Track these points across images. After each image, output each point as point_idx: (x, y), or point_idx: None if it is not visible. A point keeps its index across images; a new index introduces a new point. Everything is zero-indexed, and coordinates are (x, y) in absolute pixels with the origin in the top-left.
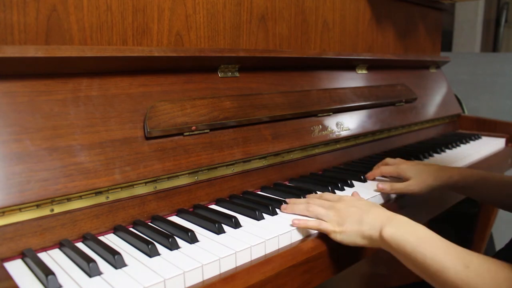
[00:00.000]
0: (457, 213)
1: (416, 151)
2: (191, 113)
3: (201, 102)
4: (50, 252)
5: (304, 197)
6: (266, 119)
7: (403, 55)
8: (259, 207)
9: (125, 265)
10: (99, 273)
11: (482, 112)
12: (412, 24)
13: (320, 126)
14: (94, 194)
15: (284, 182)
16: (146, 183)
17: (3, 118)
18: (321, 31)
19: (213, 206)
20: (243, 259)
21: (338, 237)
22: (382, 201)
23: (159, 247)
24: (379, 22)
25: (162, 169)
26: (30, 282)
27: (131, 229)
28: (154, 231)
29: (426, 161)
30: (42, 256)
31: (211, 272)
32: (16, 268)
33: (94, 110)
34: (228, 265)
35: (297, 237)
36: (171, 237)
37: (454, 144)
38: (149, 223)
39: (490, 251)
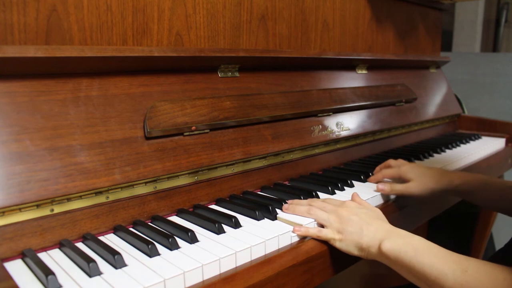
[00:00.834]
0: (457, 213)
1: (416, 151)
2: (191, 113)
3: (201, 102)
4: (50, 252)
5: (306, 196)
6: (266, 119)
7: (403, 55)
8: (259, 207)
9: (125, 265)
10: (99, 273)
11: (482, 112)
12: (412, 24)
13: (320, 126)
14: (94, 194)
15: (284, 182)
16: (146, 183)
17: (3, 118)
18: (321, 31)
19: (213, 206)
20: (243, 259)
21: (337, 245)
22: (381, 201)
23: (159, 247)
24: (379, 22)
25: (162, 169)
26: (30, 282)
27: (131, 229)
28: (154, 231)
29: (426, 161)
30: (42, 256)
31: (211, 272)
32: (16, 268)
33: (94, 110)
34: (228, 265)
35: (297, 237)
36: (171, 237)
37: (454, 144)
38: (149, 223)
39: (490, 251)
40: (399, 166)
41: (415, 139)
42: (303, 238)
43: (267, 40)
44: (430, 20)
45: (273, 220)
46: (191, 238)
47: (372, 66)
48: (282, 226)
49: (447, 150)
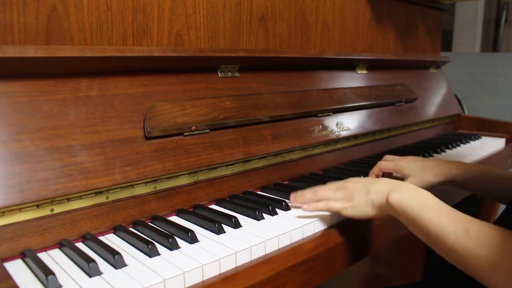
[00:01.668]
0: None
1: (416, 151)
2: (191, 113)
3: (201, 102)
4: (50, 252)
5: None
6: (266, 119)
7: (403, 55)
8: (259, 207)
9: (125, 265)
10: (99, 273)
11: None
12: (412, 24)
13: (320, 126)
14: (94, 194)
15: (284, 182)
16: (146, 183)
17: (3, 118)
18: (321, 31)
19: (213, 206)
20: (243, 259)
21: (349, 212)
22: None
23: (159, 247)
24: (379, 22)
25: (162, 169)
26: (30, 282)
27: (131, 229)
28: (154, 231)
29: None
30: (42, 256)
31: (211, 272)
32: (16, 268)
33: (94, 110)
34: (228, 265)
35: (297, 237)
36: (171, 237)
37: (454, 144)
38: (149, 223)
39: None
40: (396, 161)
41: (415, 139)
42: (304, 238)
43: (267, 40)
44: (430, 20)
45: (273, 216)
46: (191, 238)
47: (372, 66)
48: (282, 226)
49: (447, 150)
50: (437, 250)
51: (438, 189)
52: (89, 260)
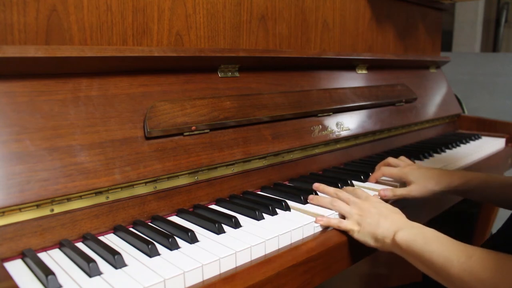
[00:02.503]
0: (457, 213)
1: (416, 151)
2: (191, 113)
3: (201, 102)
4: (50, 252)
5: (306, 195)
6: (266, 119)
7: (403, 55)
8: (259, 207)
9: (125, 265)
10: (99, 273)
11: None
12: (412, 24)
13: (320, 126)
14: (94, 194)
15: (284, 182)
16: (146, 183)
17: (3, 118)
18: (321, 31)
19: (213, 206)
20: (243, 259)
21: (355, 235)
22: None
23: (159, 247)
24: (379, 22)
25: (162, 169)
26: (30, 282)
27: (131, 229)
28: (154, 231)
29: (426, 161)
30: (42, 256)
31: (211, 272)
32: (16, 268)
33: (94, 110)
34: (228, 265)
35: (297, 237)
36: (171, 237)
37: (454, 144)
38: (149, 223)
39: None
40: (399, 165)
41: (415, 139)
42: (304, 238)
43: (267, 40)
44: (430, 20)
45: (273, 216)
46: (191, 238)
47: (372, 66)
48: (282, 226)
49: (447, 150)
50: (444, 282)
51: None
52: (89, 260)
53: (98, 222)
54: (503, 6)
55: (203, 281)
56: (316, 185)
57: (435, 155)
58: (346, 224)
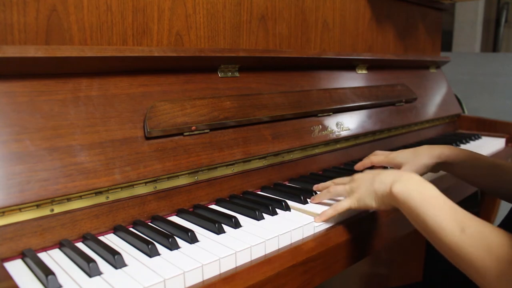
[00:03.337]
0: None
1: None
2: (191, 113)
3: (201, 102)
4: (50, 252)
5: (306, 195)
6: (266, 119)
7: (403, 55)
8: (259, 207)
9: (125, 265)
10: (99, 273)
11: (482, 112)
12: (412, 24)
13: (320, 126)
14: (94, 194)
15: (284, 182)
16: (146, 183)
17: (3, 118)
18: (321, 31)
19: (213, 206)
20: (243, 259)
21: (355, 204)
22: None
23: (159, 247)
24: (379, 22)
25: (162, 169)
26: (30, 282)
27: (131, 229)
28: (154, 231)
29: None
30: (42, 256)
31: (211, 272)
32: (16, 268)
33: (94, 110)
34: (228, 265)
35: (297, 237)
36: (171, 237)
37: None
38: (149, 223)
39: None
40: (386, 154)
41: (415, 139)
42: (304, 238)
43: (267, 40)
44: (430, 20)
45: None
46: (191, 238)
47: (372, 66)
48: (282, 226)
49: None
50: (434, 245)
51: (438, 189)
52: (89, 260)
53: (98, 222)
54: (503, 6)
55: (203, 281)
56: (316, 186)
57: None
58: (342, 204)
